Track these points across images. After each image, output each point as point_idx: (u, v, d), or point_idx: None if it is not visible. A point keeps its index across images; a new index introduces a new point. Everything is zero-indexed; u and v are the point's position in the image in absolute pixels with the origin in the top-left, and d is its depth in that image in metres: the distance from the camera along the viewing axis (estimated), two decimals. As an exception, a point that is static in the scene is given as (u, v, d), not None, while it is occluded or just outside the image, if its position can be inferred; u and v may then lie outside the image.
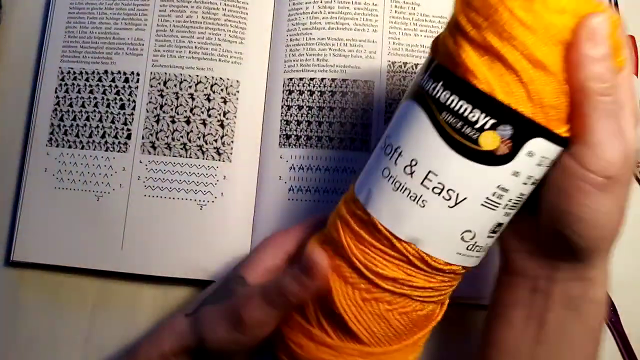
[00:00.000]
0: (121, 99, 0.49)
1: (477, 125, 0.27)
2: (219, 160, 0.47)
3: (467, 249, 0.30)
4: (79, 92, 0.49)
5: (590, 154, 0.28)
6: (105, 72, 0.49)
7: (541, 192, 0.30)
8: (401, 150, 0.29)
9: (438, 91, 0.28)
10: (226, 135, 0.48)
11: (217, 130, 0.48)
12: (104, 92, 0.49)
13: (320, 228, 0.35)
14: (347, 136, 0.46)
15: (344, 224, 0.31)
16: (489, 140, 0.27)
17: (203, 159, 0.47)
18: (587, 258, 0.31)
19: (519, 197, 0.29)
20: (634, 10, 0.49)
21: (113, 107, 0.49)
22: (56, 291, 0.48)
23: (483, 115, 0.27)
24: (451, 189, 0.28)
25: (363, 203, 0.31)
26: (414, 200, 0.29)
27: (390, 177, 0.29)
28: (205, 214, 0.47)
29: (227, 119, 0.48)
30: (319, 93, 0.47)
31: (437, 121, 0.28)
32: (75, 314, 0.48)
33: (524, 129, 0.27)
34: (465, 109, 0.27)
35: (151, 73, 0.49)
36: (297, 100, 0.47)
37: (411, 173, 0.29)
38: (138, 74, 0.49)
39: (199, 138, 0.48)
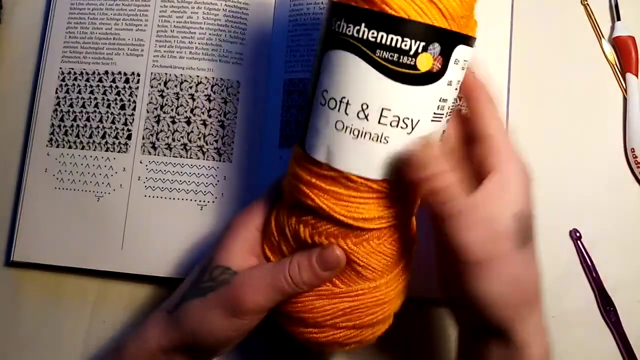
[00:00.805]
0: (122, 100, 0.49)
1: (412, 52, 0.29)
2: (219, 160, 0.47)
3: None
4: (79, 92, 0.49)
5: (452, 247, 0.31)
6: (106, 72, 0.49)
7: (447, 289, 0.34)
8: (347, 100, 0.30)
9: (363, 32, 0.29)
10: (226, 135, 0.48)
11: (217, 130, 0.48)
12: (104, 93, 0.49)
13: (275, 195, 0.37)
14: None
15: (313, 188, 0.32)
16: (424, 62, 0.29)
17: (203, 159, 0.47)
18: (505, 331, 0.32)
19: (454, 102, 0.32)
20: (634, 10, 0.49)
21: (113, 107, 0.49)
22: (56, 291, 0.48)
23: (413, 41, 0.29)
24: (406, 117, 0.30)
25: (326, 162, 0.31)
26: (376, 140, 0.30)
27: (346, 127, 0.30)
28: (205, 214, 0.47)
29: (227, 119, 0.48)
30: (319, 93, 0.47)
31: (374, 60, 0.29)
32: (75, 313, 0.48)
33: (448, 42, 0.29)
34: (397, 40, 0.29)
35: (152, 73, 0.49)
36: (297, 101, 0.47)
37: (366, 117, 0.30)
38: (139, 75, 0.49)
39: (199, 138, 0.48)
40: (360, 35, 0.29)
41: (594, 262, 0.46)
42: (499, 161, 0.32)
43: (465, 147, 0.35)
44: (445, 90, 0.30)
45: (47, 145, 0.49)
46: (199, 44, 0.49)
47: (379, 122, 0.30)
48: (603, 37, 0.49)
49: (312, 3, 0.48)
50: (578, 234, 0.46)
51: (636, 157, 0.46)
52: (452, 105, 0.32)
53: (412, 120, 0.30)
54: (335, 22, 0.30)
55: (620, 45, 0.49)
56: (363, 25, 0.29)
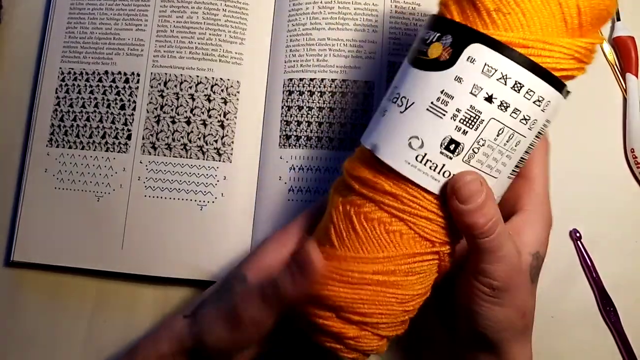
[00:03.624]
0: (121, 100, 0.49)
1: (428, 41, 0.32)
2: (219, 160, 0.47)
3: (416, 159, 0.31)
4: (79, 92, 0.49)
5: (479, 273, 0.32)
6: (106, 72, 0.49)
7: (457, 295, 0.35)
8: (393, 87, 0.33)
9: (418, 32, 0.34)
10: (226, 135, 0.48)
11: (217, 130, 0.48)
12: (104, 93, 0.49)
13: (312, 219, 0.37)
14: (347, 137, 0.46)
15: (338, 180, 0.35)
16: (434, 50, 0.31)
17: (203, 159, 0.47)
18: (498, 349, 0.35)
19: (470, 111, 0.30)
20: (634, 10, 0.49)
21: (113, 107, 0.49)
22: (56, 291, 0.48)
23: (432, 32, 0.32)
24: (404, 96, 0.31)
25: (363, 142, 0.34)
26: (380, 113, 0.33)
27: (382, 108, 0.33)
28: (206, 215, 0.47)
29: (227, 119, 0.48)
30: (319, 93, 0.47)
31: (412, 51, 0.33)
32: (75, 314, 0.48)
33: (461, 36, 0.30)
34: (425, 33, 0.32)
35: (151, 73, 0.49)
36: (297, 100, 0.47)
37: (390, 97, 0.33)
38: (138, 75, 0.49)
39: (199, 138, 0.48)
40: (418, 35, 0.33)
41: (594, 262, 0.46)
42: (532, 202, 0.36)
43: None
44: (451, 84, 0.30)
45: (47, 145, 0.49)
46: (198, 43, 0.49)
47: (389, 99, 0.33)
48: (603, 37, 0.49)
49: (311, 3, 0.48)
50: (578, 234, 0.46)
51: (636, 157, 0.46)
52: (470, 115, 0.30)
53: (407, 100, 0.31)
54: None
55: (620, 45, 0.49)
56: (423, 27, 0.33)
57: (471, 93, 0.30)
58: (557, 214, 0.46)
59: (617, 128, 0.48)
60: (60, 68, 0.50)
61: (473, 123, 0.30)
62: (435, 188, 0.31)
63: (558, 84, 0.31)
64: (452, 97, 0.30)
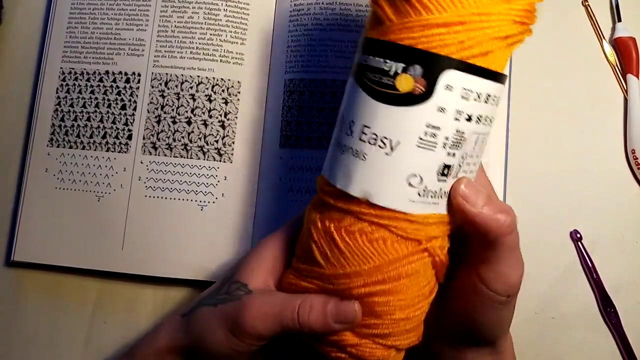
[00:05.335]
0: (122, 100, 0.49)
1: (391, 72, 0.29)
2: (220, 160, 0.47)
3: (418, 195, 0.30)
4: (80, 92, 0.49)
5: (496, 280, 0.32)
6: (107, 72, 0.49)
7: (453, 301, 0.34)
8: (344, 118, 0.32)
9: (361, 58, 0.31)
10: (227, 136, 0.48)
11: (218, 130, 0.48)
12: (105, 93, 0.49)
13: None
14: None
15: (314, 197, 0.34)
16: (404, 83, 0.29)
17: (204, 159, 0.47)
18: (494, 344, 0.36)
19: (456, 135, 0.30)
20: (635, 11, 0.49)
21: (114, 107, 0.49)
22: (56, 291, 0.48)
23: (393, 62, 0.29)
24: (384, 137, 0.30)
25: (327, 177, 0.33)
26: (355, 156, 0.31)
27: (338, 143, 0.32)
28: (206, 215, 0.47)
29: (228, 119, 0.48)
30: (320, 94, 0.47)
31: (363, 81, 0.31)
32: (75, 314, 0.48)
33: (432, 65, 0.29)
34: (379, 62, 0.30)
35: (152, 73, 0.49)
36: (298, 101, 0.47)
37: (351, 133, 0.31)
38: (139, 75, 0.49)
39: (199, 139, 0.48)
40: (357, 60, 0.32)
41: (595, 263, 0.46)
42: None
43: None
44: (434, 116, 0.29)
45: (47, 145, 0.49)
46: (199, 44, 0.49)
47: (359, 139, 0.30)
48: (604, 38, 0.49)
49: (312, 3, 0.48)
50: (579, 235, 0.46)
51: (637, 158, 0.46)
52: (457, 139, 0.30)
53: (390, 141, 0.30)
54: (356, 54, 0.32)
55: (621, 46, 0.49)
56: (361, 51, 0.31)
57: (455, 119, 0.30)
58: (558, 215, 0.47)
59: (617, 129, 0.48)
60: (61, 68, 0.50)
61: (460, 144, 0.30)
62: (439, 210, 0.31)
63: (504, 79, 0.31)
64: (439, 128, 0.29)
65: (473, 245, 0.33)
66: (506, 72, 0.32)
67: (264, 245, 0.37)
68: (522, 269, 0.33)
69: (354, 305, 0.31)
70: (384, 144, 0.30)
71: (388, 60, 0.29)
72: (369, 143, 0.30)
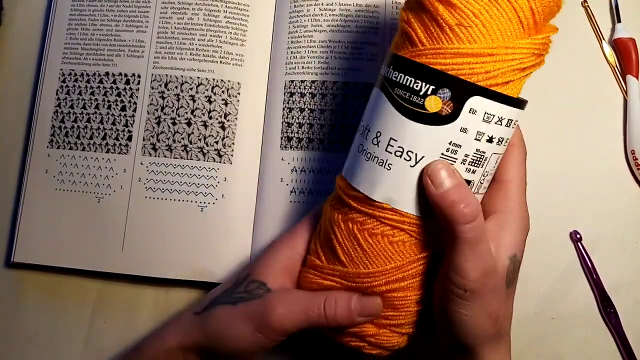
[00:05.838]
0: (122, 101, 0.49)
1: (421, 93, 0.32)
2: (220, 162, 0.47)
3: None
4: (80, 93, 0.49)
5: (453, 271, 0.32)
6: (107, 73, 0.49)
7: (434, 300, 0.35)
8: (370, 127, 0.34)
9: (390, 73, 0.33)
10: (227, 137, 0.48)
11: (218, 132, 0.48)
12: (105, 94, 0.49)
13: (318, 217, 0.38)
14: (348, 139, 0.46)
15: (333, 197, 0.37)
16: (433, 104, 0.32)
17: (204, 160, 0.47)
18: (472, 353, 0.34)
19: (476, 153, 0.33)
20: (635, 12, 0.49)
21: (114, 108, 0.49)
22: (56, 292, 0.48)
23: (424, 83, 0.32)
24: (410, 150, 0.32)
25: (349, 180, 0.35)
26: (381, 165, 0.33)
27: (363, 150, 0.34)
28: (206, 216, 0.47)
29: (228, 120, 0.48)
30: (320, 95, 0.47)
31: (392, 96, 0.33)
32: (75, 315, 0.48)
33: (461, 91, 0.31)
34: (410, 81, 0.32)
35: (152, 75, 0.49)
36: (299, 102, 0.47)
37: (377, 143, 0.33)
38: (139, 76, 0.49)
39: (199, 140, 0.48)
40: (387, 75, 0.33)
41: (595, 263, 0.46)
42: (507, 205, 0.35)
43: None
44: (457, 135, 0.32)
45: (47, 147, 0.49)
46: (199, 45, 0.49)
47: (385, 150, 0.33)
48: (603, 38, 0.50)
49: (312, 4, 0.48)
50: (578, 236, 0.46)
51: (636, 159, 0.46)
52: (477, 157, 0.33)
53: (415, 155, 0.32)
54: (383, 65, 0.35)
55: (620, 47, 0.49)
56: (391, 67, 0.33)
57: (476, 139, 0.32)
58: (558, 216, 0.47)
59: (617, 130, 0.48)
60: (61, 69, 0.50)
61: (480, 162, 0.33)
62: None
63: (524, 105, 0.34)
64: (460, 146, 0.32)
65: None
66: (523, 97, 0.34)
67: (278, 244, 0.38)
68: (486, 266, 0.32)
69: (377, 300, 0.34)
70: (409, 157, 0.32)
71: (419, 81, 0.32)
72: (395, 155, 0.33)
